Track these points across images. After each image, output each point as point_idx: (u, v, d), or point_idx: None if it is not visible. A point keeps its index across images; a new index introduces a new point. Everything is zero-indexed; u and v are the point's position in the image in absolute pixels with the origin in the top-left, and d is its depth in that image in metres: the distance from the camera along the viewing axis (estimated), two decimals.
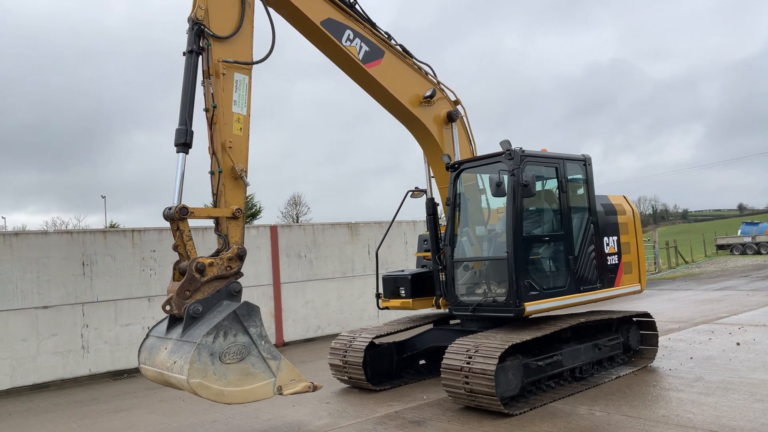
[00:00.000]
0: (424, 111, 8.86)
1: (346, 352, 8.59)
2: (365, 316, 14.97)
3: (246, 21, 6.91)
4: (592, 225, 8.43)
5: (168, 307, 6.16)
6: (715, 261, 33.93)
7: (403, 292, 8.88)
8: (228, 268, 6.47)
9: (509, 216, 7.62)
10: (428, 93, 8.74)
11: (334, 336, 14.27)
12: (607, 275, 8.54)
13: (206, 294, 6.27)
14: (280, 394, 6.21)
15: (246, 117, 6.77)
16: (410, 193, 9.54)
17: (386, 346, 8.92)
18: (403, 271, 9.33)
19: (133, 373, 11.36)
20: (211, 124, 6.60)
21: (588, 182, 8.56)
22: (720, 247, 39.45)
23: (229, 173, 6.56)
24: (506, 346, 6.97)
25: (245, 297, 13.01)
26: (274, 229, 14.02)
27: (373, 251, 15.52)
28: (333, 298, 14.66)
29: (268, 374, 6.17)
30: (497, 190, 7.62)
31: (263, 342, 6.27)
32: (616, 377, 8.28)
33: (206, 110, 6.64)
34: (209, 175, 6.69)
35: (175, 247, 6.39)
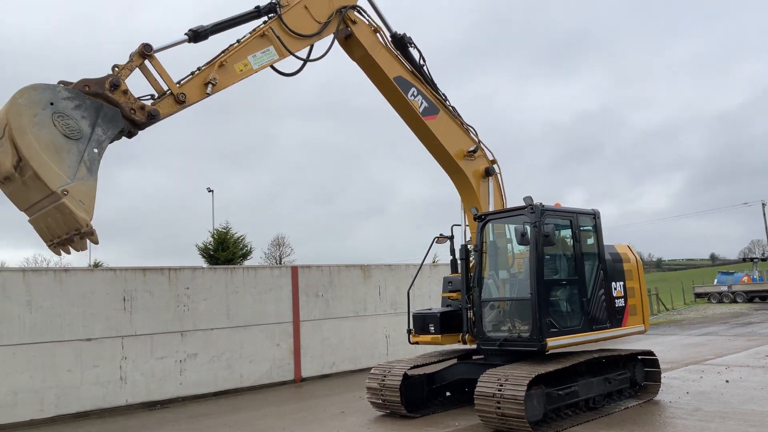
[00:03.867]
0: (467, 164, 10.34)
1: (384, 377, 9.47)
2: (376, 354, 15.77)
3: (316, 37, 8.80)
4: (601, 271, 9.56)
5: (62, 85, 6.20)
6: (694, 308, 35.37)
7: (432, 328, 9.84)
8: (132, 111, 6.66)
9: (532, 262, 8.73)
10: (472, 148, 10.25)
11: (348, 373, 15.09)
12: (615, 316, 9.62)
13: (104, 99, 6.39)
14: (57, 199, 5.70)
15: (251, 70, 8.08)
16: (436, 239, 10.61)
17: (418, 377, 9.82)
18: (431, 309, 10.31)
19: (166, 404, 12.02)
20: (228, 48, 7.93)
21: (597, 233, 9.73)
22: (698, 295, 40.97)
23: (205, 76, 7.51)
24: (533, 376, 7.97)
25: (270, 333, 13.88)
26: (294, 270, 14.93)
27: (384, 292, 16.49)
28: (347, 336, 15.49)
29: (70, 173, 5.78)
30: (522, 239, 8.76)
31: (95, 150, 6.04)
32: (625, 408, 9.29)
33: (236, 42, 8.01)
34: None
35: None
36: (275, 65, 8.48)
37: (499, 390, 7.95)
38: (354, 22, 9.39)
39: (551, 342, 8.49)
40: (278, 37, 8.26)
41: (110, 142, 6.57)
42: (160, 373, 12.19)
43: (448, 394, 10.38)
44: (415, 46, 10.13)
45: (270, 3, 8.46)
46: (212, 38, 8.01)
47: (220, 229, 40.76)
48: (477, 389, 8.20)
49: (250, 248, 45.57)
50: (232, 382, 13.15)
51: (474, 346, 9.70)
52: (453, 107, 10.45)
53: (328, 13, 8.99)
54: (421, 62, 10.17)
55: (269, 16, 8.42)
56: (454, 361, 10.20)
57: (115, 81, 6.47)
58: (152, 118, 6.82)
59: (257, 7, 8.40)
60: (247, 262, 41.03)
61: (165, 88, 7.29)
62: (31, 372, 10.76)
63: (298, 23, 8.59)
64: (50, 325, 11.05)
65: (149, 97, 7.13)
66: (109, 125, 6.15)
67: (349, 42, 9.52)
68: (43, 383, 10.86)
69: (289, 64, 8.78)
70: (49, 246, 6.32)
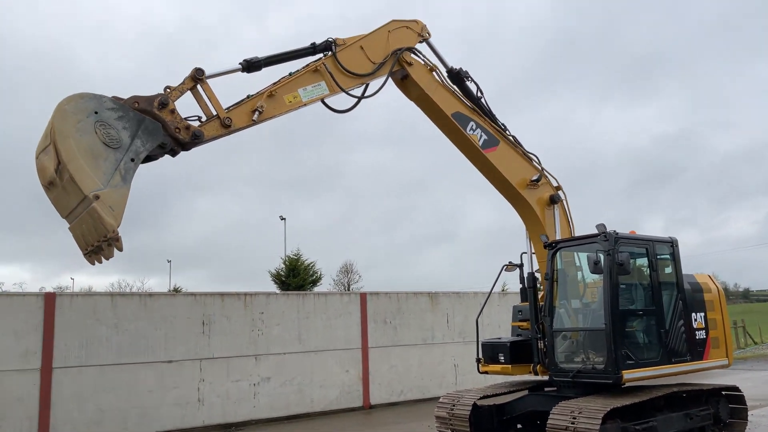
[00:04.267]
0: (530, 193, 10.15)
1: (453, 406, 9.41)
2: (444, 383, 15.63)
3: (370, 77, 8.84)
4: (680, 301, 9.19)
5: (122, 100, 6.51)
6: None
7: (502, 358, 9.72)
8: (177, 129, 6.85)
9: (606, 291, 8.52)
10: (535, 177, 10.10)
11: (416, 401, 15.03)
12: (696, 349, 9.20)
13: (151, 116, 6.59)
14: (89, 203, 5.83)
15: (300, 102, 8.12)
16: (505, 267, 10.53)
17: (488, 408, 9.69)
18: (500, 338, 10.20)
19: (240, 426, 12.37)
20: (280, 80, 8.09)
21: (675, 262, 9.39)
22: None
23: (253, 104, 7.65)
24: (608, 409, 7.72)
25: (339, 359, 14.01)
26: (363, 296, 15.13)
27: (452, 320, 16.40)
28: (415, 364, 15.47)
29: (104, 179, 5.92)
30: (594, 268, 8.59)
31: (131, 161, 6.14)
32: None
33: (289, 74, 8.14)
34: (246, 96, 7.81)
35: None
36: (327, 101, 8.54)
37: (572, 423, 7.74)
38: (410, 64, 9.36)
39: (627, 374, 8.21)
40: (330, 74, 8.38)
41: (150, 158, 6.80)
42: (235, 395, 12.59)
43: (519, 426, 10.14)
44: (472, 79, 10.06)
45: (326, 41, 8.58)
46: (267, 71, 8.20)
47: (291, 256, 41.92)
48: (549, 422, 8.02)
49: (320, 274, 46.52)
50: (303, 406, 13.39)
51: (546, 378, 9.51)
52: (513, 137, 10.33)
53: (383, 55, 9.03)
54: (479, 94, 10.09)
55: (324, 53, 8.54)
56: (525, 392, 10.01)
57: (163, 100, 6.72)
58: (196, 138, 6.97)
59: (313, 44, 8.56)
60: (316, 288, 41.84)
61: (214, 112, 7.52)
62: (116, 391, 11.39)
63: (353, 62, 8.68)
64: (135, 346, 11.68)
65: (197, 118, 7.35)
66: (149, 138, 6.34)
67: (405, 82, 9.56)
68: (127, 402, 11.45)
69: (342, 100, 8.85)
70: (84, 255, 6.43)
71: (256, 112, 7.58)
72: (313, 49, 8.56)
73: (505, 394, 9.88)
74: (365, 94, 8.92)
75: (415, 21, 9.60)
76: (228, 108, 7.55)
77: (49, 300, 11.11)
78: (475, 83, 10.17)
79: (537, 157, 10.48)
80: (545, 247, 9.60)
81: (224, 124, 7.29)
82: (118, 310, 11.66)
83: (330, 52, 8.57)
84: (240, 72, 7.91)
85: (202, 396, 12.21)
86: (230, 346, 12.69)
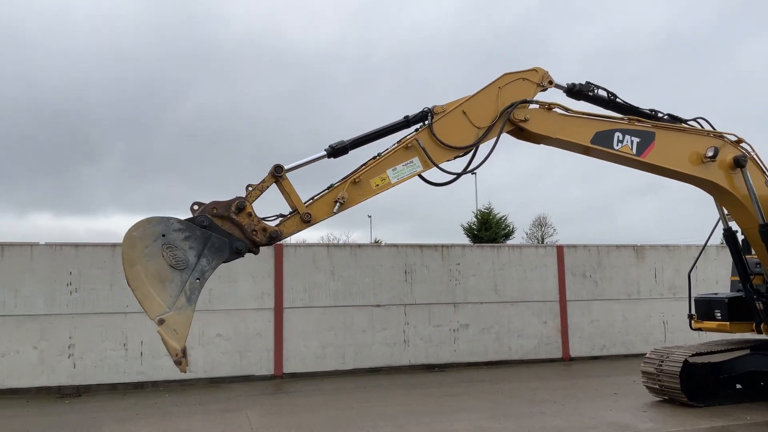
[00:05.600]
0: (707, 169, 8.51)
1: (662, 362, 9.06)
2: (651, 340, 14.91)
3: (470, 149, 7.45)
4: None
5: (196, 207, 6.51)
6: None
7: (718, 314, 9.06)
8: (254, 232, 6.60)
9: None
10: (710, 153, 8.40)
11: (619, 357, 14.62)
12: None
13: (223, 225, 6.46)
14: (156, 324, 5.95)
15: (388, 184, 7.16)
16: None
17: (701, 366, 9.16)
18: (716, 294, 9.48)
19: (444, 368, 13.21)
20: (366, 163, 7.21)
21: None
22: None
23: (334, 195, 6.89)
24: None
25: (536, 310, 14.10)
26: (560, 249, 14.91)
27: (660, 275, 15.46)
28: (618, 319, 14.95)
29: (170, 302, 6.05)
30: None
31: (197, 280, 6.23)
32: None
33: (377, 155, 7.19)
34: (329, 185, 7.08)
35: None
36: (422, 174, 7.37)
37: None
38: (525, 120, 7.69)
39: None
40: (423, 149, 7.23)
41: (215, 268, 6.68)
42: (437, 339, 13.42)
43: (738, 386, 9.45)
44: (597, 87, 8.43)
45: (422, 111, 7.46)
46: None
47: (483, 210, 42.35)
48: None
49: (512, 228, 46.36)
50: (501, 354, 13.81)
51: None
52: (669, 114, 8.64)
53: (492, 116, 7.54)
54: (611, 96, 8.46)
55: (423, 123, 7.44)
56: (747, 351, 9.24)
57: (240, 204, 6.59)
58: (273, 239, 6.80)
59: (406, 117, 7.47)
60: (509, 242, 41.80)
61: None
62: (335, 330, 12.85)
63: (452, 131, 7.39)
64: (348, 292, 13.01)
65: (276, 217, 6.98)
66: (214, 256, 6.42)
67: (524, 134, 7.99)
68: (344, 340, 12.87)
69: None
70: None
71: (337, 204, 6.96)
72: (406, 123, 7.46)
73: (721, 352, 9.23)
74: (469, 167, 7.51)
75: (534, 70, 8.01)
76: (308, 201, 6.99)
77: (278, 250, 12.80)
78: (604, 89, 8.44)
79: (707, 121, 8.78)
80: None
81: (304, 219, 6.90)
82: (333, 259, 13.03)
83: (426, 123, 7.39)
84: (326, 159, 7.18)
85: (407, 338, 13.22)
86: (430, 293, 13.48)
